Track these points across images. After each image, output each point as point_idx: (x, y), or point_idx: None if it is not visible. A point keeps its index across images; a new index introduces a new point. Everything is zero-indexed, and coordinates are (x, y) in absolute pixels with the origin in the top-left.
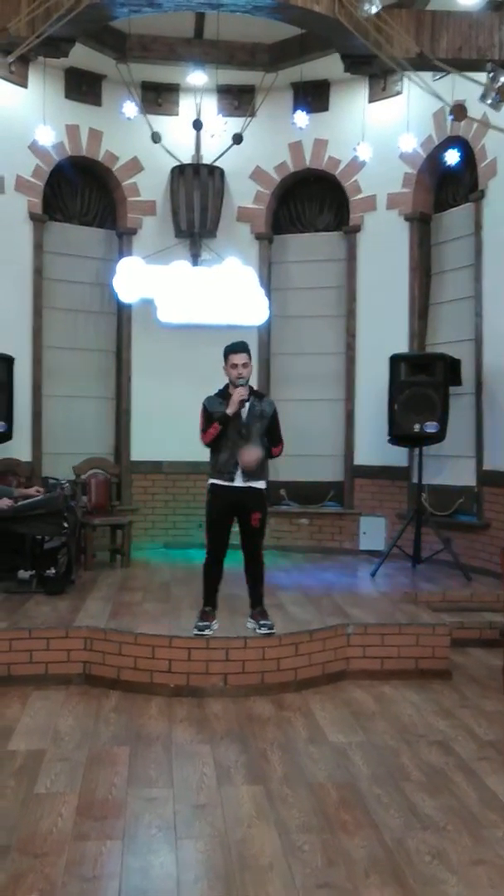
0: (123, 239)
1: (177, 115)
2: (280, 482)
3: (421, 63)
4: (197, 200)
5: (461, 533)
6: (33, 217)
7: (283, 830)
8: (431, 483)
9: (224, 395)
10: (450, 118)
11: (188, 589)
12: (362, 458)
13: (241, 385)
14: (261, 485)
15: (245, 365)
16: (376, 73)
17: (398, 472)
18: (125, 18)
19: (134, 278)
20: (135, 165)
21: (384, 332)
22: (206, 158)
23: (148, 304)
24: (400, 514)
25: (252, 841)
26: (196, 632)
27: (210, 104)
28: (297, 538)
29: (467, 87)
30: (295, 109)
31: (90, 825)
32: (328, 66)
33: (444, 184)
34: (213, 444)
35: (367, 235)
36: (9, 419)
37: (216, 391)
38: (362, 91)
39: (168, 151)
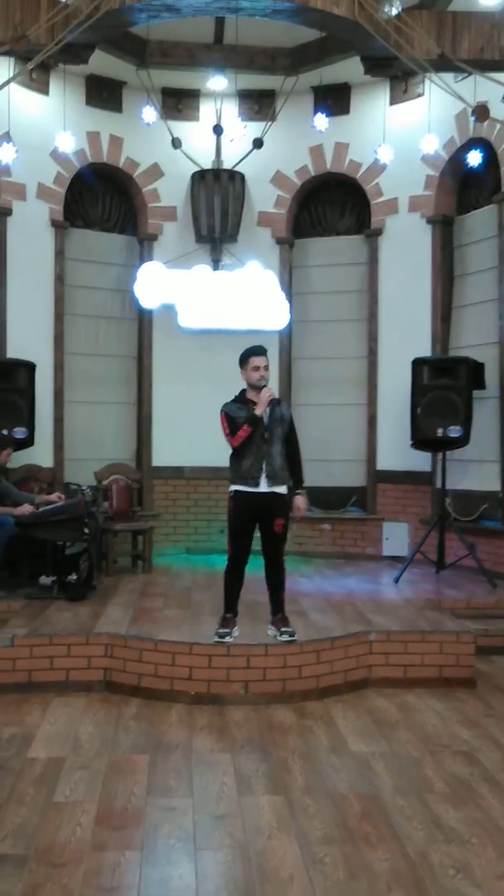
0: (144, 245)
1: (197, 120)
2: (304, 487)
3: (442, 64)
4: (217, 205)
5: (485, 538)
6: (55, 224)
7: (304, 842)
8: (455, 488)
9: (242, 400)
10: (472, 119)
11: (209, 595)
12: (385, 462)
13: (263, 386)
14: (284, 490)
15: (266, 367)
16: (397, 75)
17: (421, 477)
18: (144, 24)
19: (155, 284)
20: (155, 171)
21: (406, 335)
22: (227, 163)
23: (169, 310)
24: (423, 520)
25: (272, 852)
26: (217, 639)
27: (230, 109)
28: (319, 544)
29: (489, 88)
30: (315, 113)
31: (109, 835)
32: (349, 69)
33: (467, 186)
34: (236, 450)
35: (389, 239)
36: (30, 425)
37: (232, 398)
38: (383, 94)
39: (188, 157)
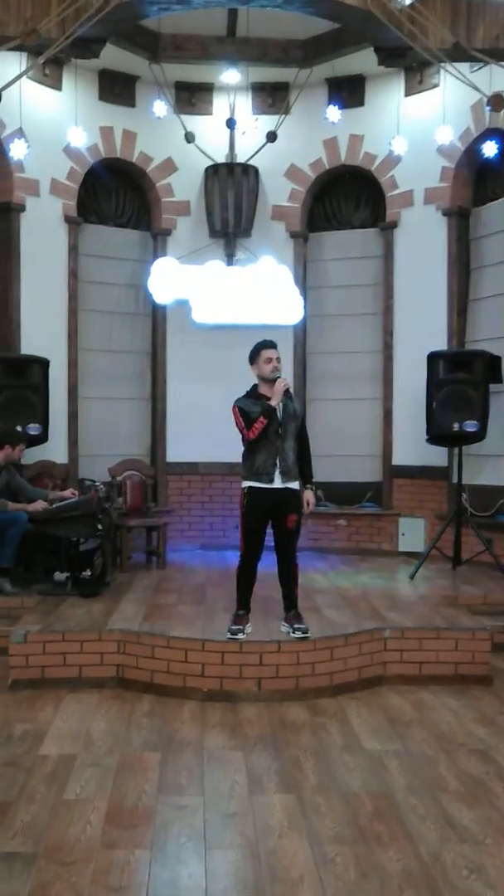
0: (158, 240)
1: (210, 114)
2: (317, 483)
3: (457, 54)
4: (231, 200)
5: (502, 534)
6: (68, 220)
7: (316, 841)
8: (472, 483)
9: (254, 395)
10: (487, 109)
11: (223, 591)
12: (400, 457)
13: (278, 377)
14: (297, 485)
15: (278, 359)
16: (411, 65)
17: (437, 472)
18: (155, 17)
19: (168, 279)
20: (169, 166)
21: (422, 329)
22: (241, 157)
23: (183, 305)
24: (439, 515)
25: (283, 852)
26: (229, 635)
27: (244, 102)
28: (334, 539)
29: None
30: (329, 105)
31: (119, 833)
32: (363, 60)
33: (483, 177)
34: (250, 446)
35: (405, 231)
36: (44, 422)
37: (244, 393)
38: (398, 85)
39: (202, 151)
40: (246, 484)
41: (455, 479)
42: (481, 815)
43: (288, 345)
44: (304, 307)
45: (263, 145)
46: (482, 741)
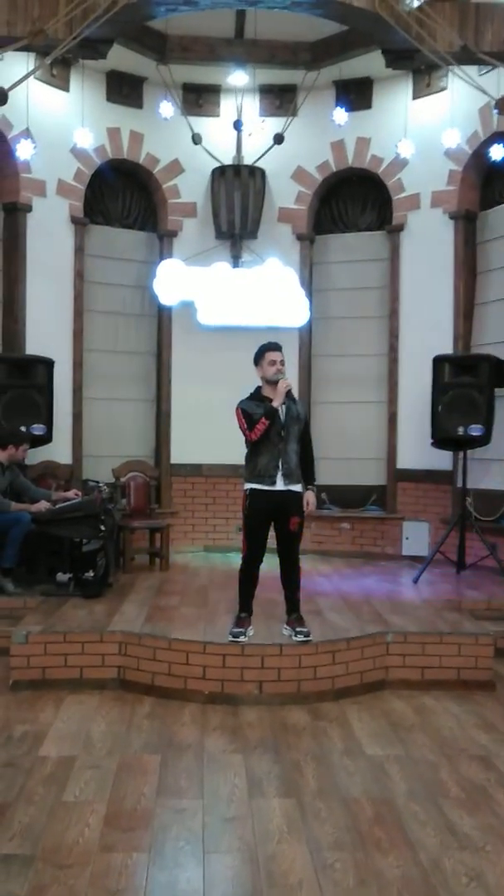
0: (164, 241)
1: (218, 116)
2: (321, 485)
3: (465, 57)
4: (238, 201)
5: None
6: (75, 220)
7: (315, 847)
8: (476, 487)
9: (258, 397)
10: (495, 112)
11: (226, 593)
12: (405, 461)
13: (281, 379)
14: (299, 488)
15: (282, 362)
16: (420, 68)
17: (442, 476)
18: (163, 18)
19: (174, 281)
20: (176, 167)
21: (428, 332)
22: (248, 159)
23: (188, 307)
24: (444, 519)
25: (282, 857)
26: (231, 638)
27: (251, 104)
28: (338, 543)
29: None
30: (336, 107)
31: (117, 836)
32: (371, 63)
33: (491, 180)
34: (253, 448)
35: (411, 234)
36: (49, 422)
37: (248, 395)
38: (406, 88)
39: (209, 153)
40: (248, 486)
41: (460, 484)
42: (482, 822)
43: (293, 347)
44: (310, 310)
45: (270, 147)
46: (484, 747)
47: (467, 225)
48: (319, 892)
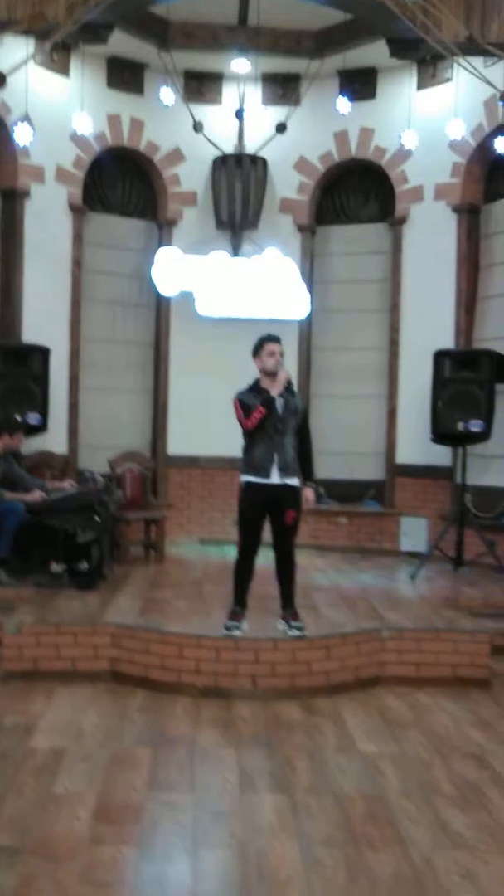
0: (164, 230)
1: (220, 103)
2: (318, 480)
3: (470, 48)
4: (239, 191)
5: None
6: (73, 208)
7: (306, 843)
8: (476, 483)
9: (256, 389)
10: (500, 104)
11: (221, 587)
12: (404, 456)
13: (280, 370)
14: (296, 482)
15: (281, 353)
16: (424, 58)
17: (441, 472)
18: (165, 4)
19: (174, 270)
20: (176, 155)
21: (429, 327)
22: (249, 148)
23: (187, 297)
24: (442, 515)
25: (272, 853)
26: (225, 631)
27: (254, 93)
28: (335, 537)
29: None
30: (340, 96)
31: (107, 829)
32: (375, 52)
33: (495, 174)
34: (249, 440)
35: (414, 227)
36: (44, 411)
37: (246, 387)
38: (410, 78)
39: (210, 141)
40: (244, 478)
41: (459, 480)
42: (475, 821)
43: (293, 340)
44: (311, 301)
45: (273, 137)
46: (479, 745)
47: (471, 218)
48: (309, 889)
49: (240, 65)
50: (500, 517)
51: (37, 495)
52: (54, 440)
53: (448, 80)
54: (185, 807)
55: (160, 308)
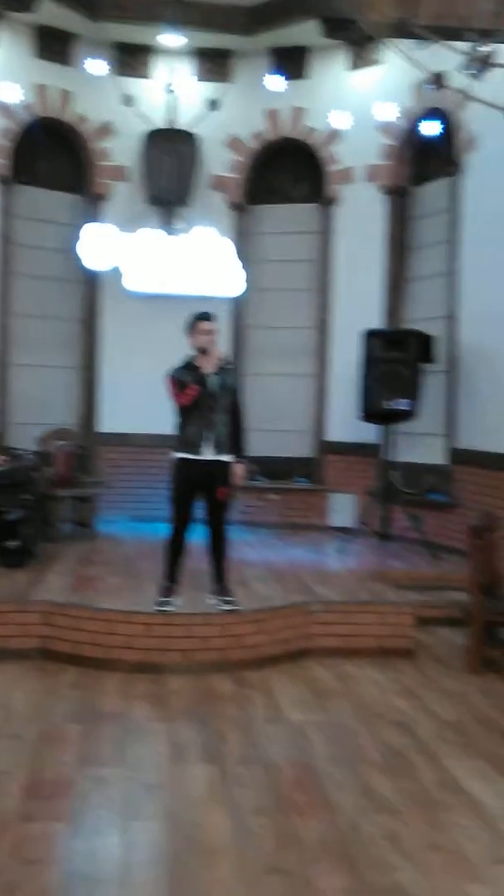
0: (94, 205)
1: (150, 77)
2: (250, 457)
3: (401, 30)
4: (170, 167)
5: (431, 511)
6: (1, 179)
7: (236, 812)
8: (402, 461)
9: (190, 367)
10: (429, 88)
11: (153, 563)
12: (333, 434)
13: (213, 348)
14: (228, 458)
15: (214, 332)
16: (355, 39)
17: (369, 450)
18: None
19: (104, 246)
20: (106, 129)
21: (359, 307)
22: (181, 124)
23: (117, 273)
24: (370, 492)
25: (203, 823)
26: (157, 607)
27: (185, 68)
28: (265, 514)
29: (448, 58)
30: (273, 74)
31: (36, 805)
32: (307, 31)
33: (423, 156)
34: (182, 417)
35: (344, 208)
36: None
37: (179, 364)
38: (342, 59)
39: (141, 115)
40: (176, 455)
41: (386, 457)
42: (399, 786)
43: (226, 317)
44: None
45: (204, 113)
46: (403, 713)
47: (399, 200)
48: (240, 857)
49: (171, 39)
50: (425, 493)
51: None
52: None
53: (378, 62)
54: (116, 781)
55: (91, 284)
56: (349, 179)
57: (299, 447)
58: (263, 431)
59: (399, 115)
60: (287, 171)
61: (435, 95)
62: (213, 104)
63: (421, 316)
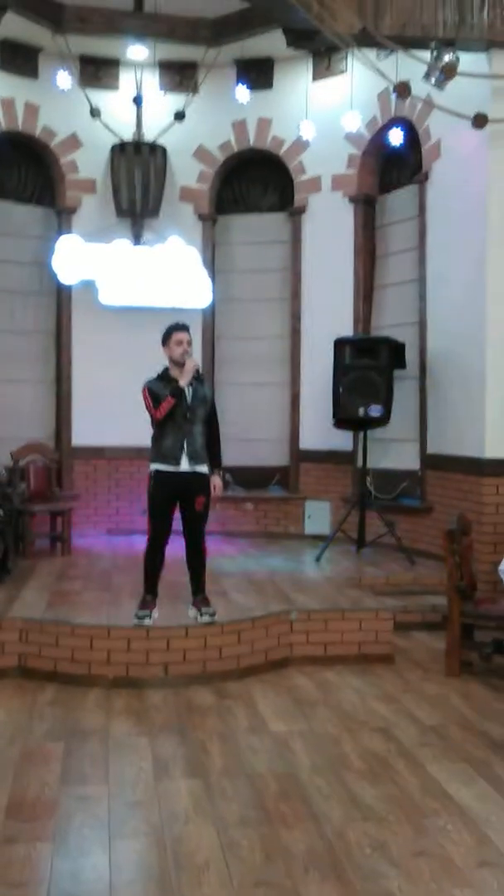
0: (63, 218)
1: (117, 89)
2: (225, 467)
3: (364, 39)
4: (138, 179)
5: (405, 516)
6: None
7: (221, 826)
8: (376, 467)
9: (165, 378)
10: (394, 96)
11: (130, 577)
12: (307, 442)
13: (188, 359)
14: (205, 469)
15: (189, 342)
16: (320, 49)
17: (343, 457)
18: None
19: (74, 259)
20: (73, 142)
21: (329, 315)
22: (148, 136)
23: (89, 286)
24: (345, 498)
25: (189, 838)
26: (136, 621)
27: (151, 79)
28: (241, 523)
29: (411, 68)
30: (238, 84)
31: (19, 827)
32: (272, 42)
33: (389, 165)
34: (158, 429)
35: (312, 217)
36: None
37: (155, 375)
38: (306, 69)
39: (108, 128)
40: (153, 467)
41: (360, 463)
42: (384, 793)
43: (197, 328)
44: (213, 291)
45: (171, 125)
46: (384, 719)
47: (366, 209)
48: (227, 871)
49: (136, 51)
50: (398, 498)
51: None
52: None
53: (343, 71)
54: (99, 799)
55: (61, 297)
56: (317, 189)
57: (274, 456)
58: (238, 440)
59: (364, 124)
60: (255, 181)
61: (400, 104)
62: (180, 116)
63: (391, 323)
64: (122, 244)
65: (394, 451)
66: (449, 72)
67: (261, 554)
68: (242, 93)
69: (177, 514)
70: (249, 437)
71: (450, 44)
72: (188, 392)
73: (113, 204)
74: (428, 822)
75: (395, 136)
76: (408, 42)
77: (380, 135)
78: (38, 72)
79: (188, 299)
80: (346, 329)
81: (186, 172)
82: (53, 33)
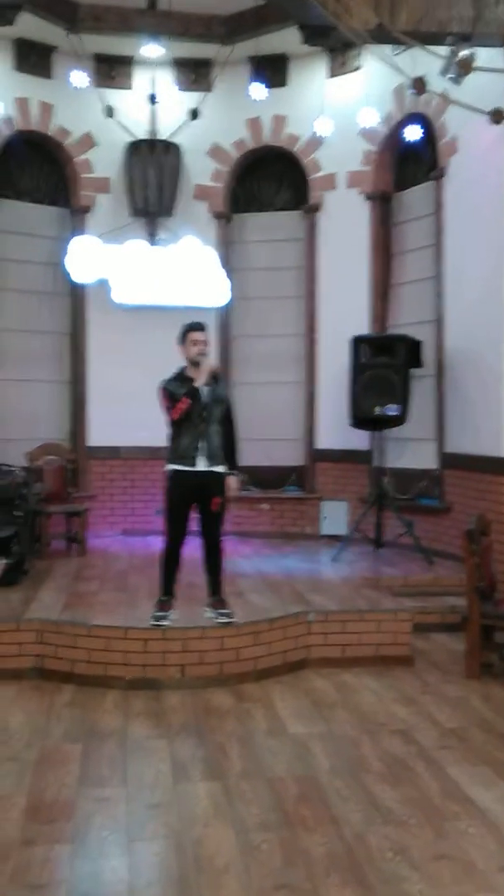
0: (77, 217)
1: (131, 88)
2: (240, 466)
3: (380, 36)
4: (153, 177)
5: (423, 516)
6: None
7: (241, 829)
8: (393, 466)
9: (182, 377)
10: (410, 92)
11: (146, 577)
12: (324, 441)
13: (204, 359)
14: (222, 469)
15: (205, 342)
16: (335, 45)
17: (360, 456)
18: None
19: (89, 258)
20: (88, 141)
21: (345, 313)
22: (162, 134)
23: (103, 285)
24: (362, 498)
25: (208, 841)
26: (153, 622)
27: (165, 77)
28: (257, 524)
29: (427, 63)
30: (253, 82)
31: (38, 829)
32: (286, 39)
33: (405, 162)
34: (175, 429)
35: (327, 215)
36: None
37: (172, 375)
38: (321, 66)
39: (122, 126)
40: (170, 467)
41: (377, 463)
42: (404, 795)
43: (212, 327)
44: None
45: (185, 123)
46: (403, 721)
47: (383, 205)
48: (247, 875)
49: (150, 49)
50: (416, 498)
51: None
52: None
53: (358, 68)
54: (118, 801)
55: (76, 297)
56: (332, 186)
57: (290, 455)
58: (253, 440)
59: (380, 120)
60: (270, 178)
61: (416, 100)
62: (195, 114)
63: (408, 321)
64: (137, 243)
65: (411, 451)
66: (465, 67)
67: (277, 554)
68: (258, 90)
69: (194, 515)
70: (265, 436)
71: (466, 39)
72: (204, 392)
73: (127, 203)
74: (449, 826)
75: (412, 132)
76: (424, 37)
77: (395, 131)
78: (53, 71)
79: (204, 298)
80: (363, 327)
81: (201, 171)
82: (67, 32)
